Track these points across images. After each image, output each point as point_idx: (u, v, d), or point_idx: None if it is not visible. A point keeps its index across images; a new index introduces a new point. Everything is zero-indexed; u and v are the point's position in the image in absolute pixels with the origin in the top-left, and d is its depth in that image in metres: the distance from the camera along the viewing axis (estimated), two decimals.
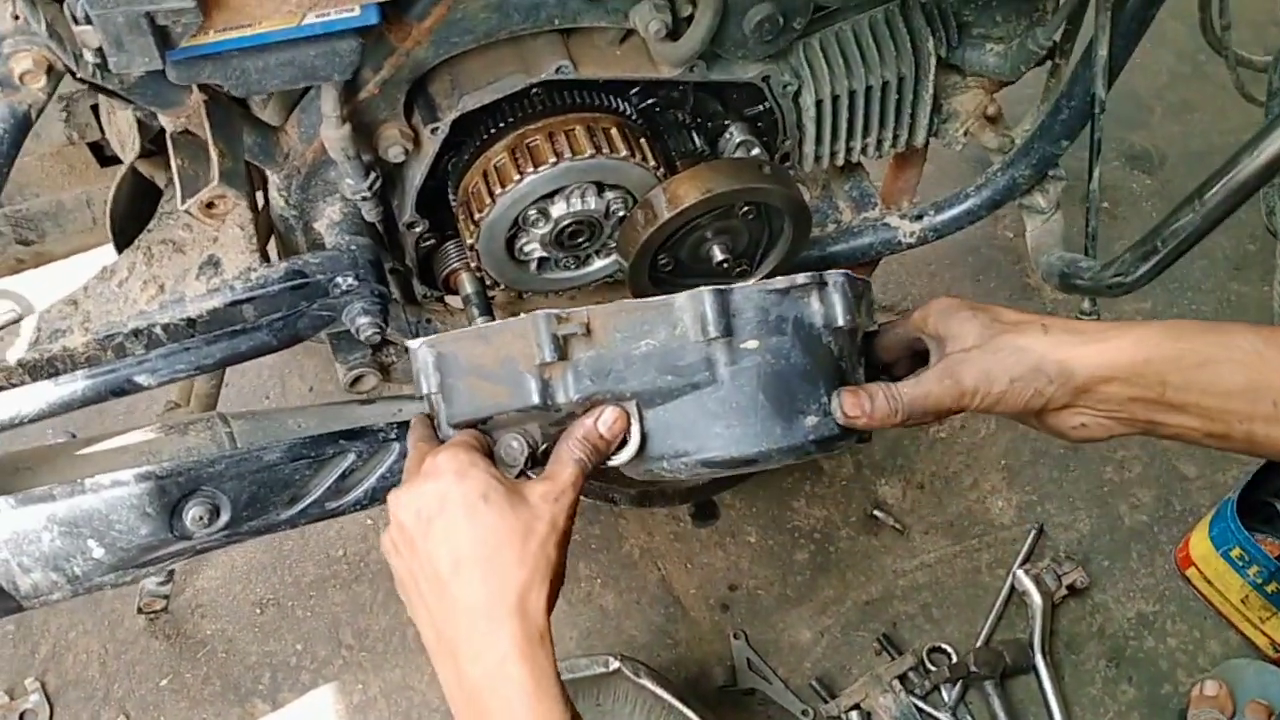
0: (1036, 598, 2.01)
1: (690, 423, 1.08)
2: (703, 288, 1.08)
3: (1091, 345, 1.04)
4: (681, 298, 1.08)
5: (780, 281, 1.10)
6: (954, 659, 1.96)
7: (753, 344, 1.08)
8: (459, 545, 1.01)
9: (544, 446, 1.11)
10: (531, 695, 0.97)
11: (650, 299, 1.09)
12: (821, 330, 1.11)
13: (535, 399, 1.07)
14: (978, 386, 1.07)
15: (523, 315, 1.09)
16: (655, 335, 1.08)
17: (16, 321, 2.25)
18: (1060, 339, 1.05)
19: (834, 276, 1.11)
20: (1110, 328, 1.06)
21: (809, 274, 1.11)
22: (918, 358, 1.20)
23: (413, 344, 1.14)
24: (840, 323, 1.10)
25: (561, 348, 1.07)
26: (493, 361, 1.09)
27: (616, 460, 1.09)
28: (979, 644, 2.00)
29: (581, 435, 1.07)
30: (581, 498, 1.97)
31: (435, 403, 1.13)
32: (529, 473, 1.13)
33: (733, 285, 1.09)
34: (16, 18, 0.99)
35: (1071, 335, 1.06)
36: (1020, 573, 2.05)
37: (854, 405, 1.09)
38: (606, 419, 1.08)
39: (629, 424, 1.08)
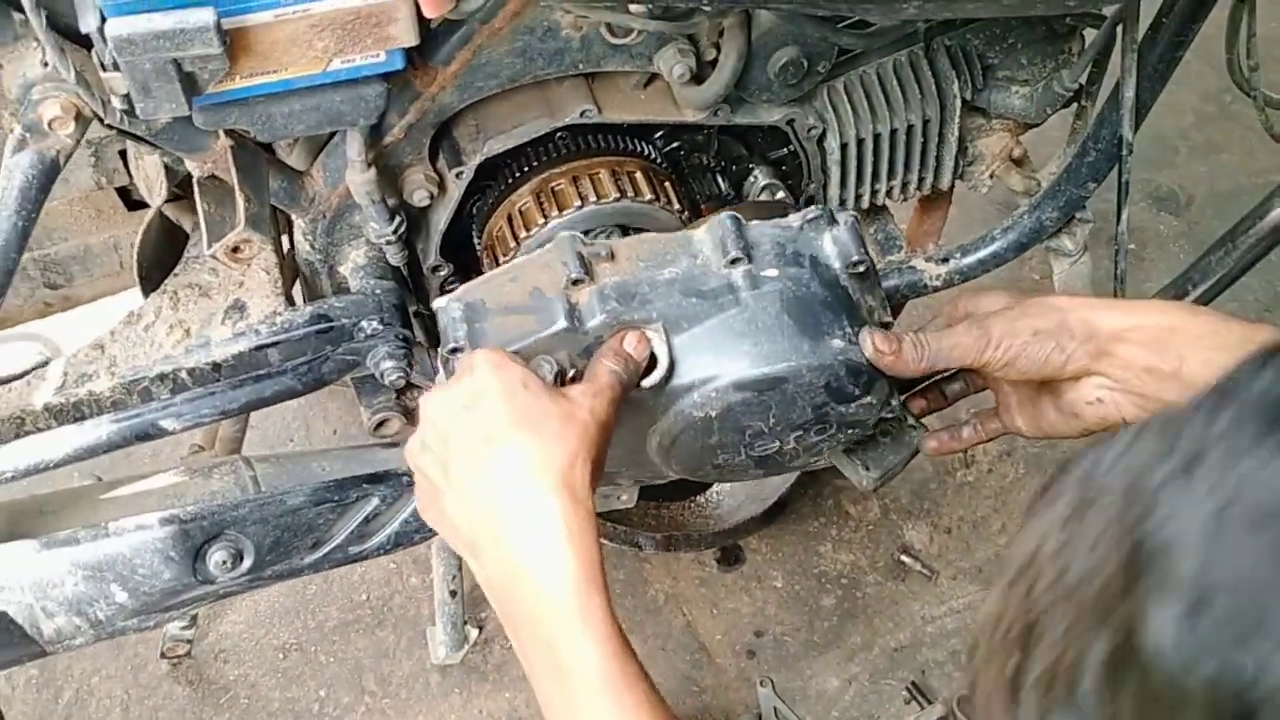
0: None
1: (718, 344, 1.08)
2: (719, 214, 1.11)
3: (1118, 309, 1.06)
4: (700, 230, 1.12)
5: (793, 218, 1.14)
6: None
7: (773, 272, 1.10)
8: (498, 424, 0.96)
9: (572, 373, 1.09)
10: (581, 589, 0.91)
11: (670, 233, 1.13)
12: (839, 271, 1.13)
13: (563, 321, 1.06)
14: (1003, 337, 1.08)
15: (548, 245, 1.10)
16: (678, 264, 1.11)
17: (45, 364, 2.27)
18: (1089, 302, 1.08)
19: (843, 215, 1.14)
20: (1142, 301, 1.08)
21: (818, 207, 1.15)
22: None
23: (439, 302, 1.12)
24: (855, 257, 1.12)
25: (588, 266, 1.08)
26: (520, 296, 1.09)
27: (649, 381, 1.08)
28: None
29: (611, 352, 1.06)
30: (606, 543, 1.98)
31: (455, 363, 1.09)
32: None
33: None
34: (45, 65, 1.00)
35: (1100, 302, 1.08)
36: None
37: (883, 341, 1.09)
38: (631, 339, 1.07)
39: (651, 346, 1.08)
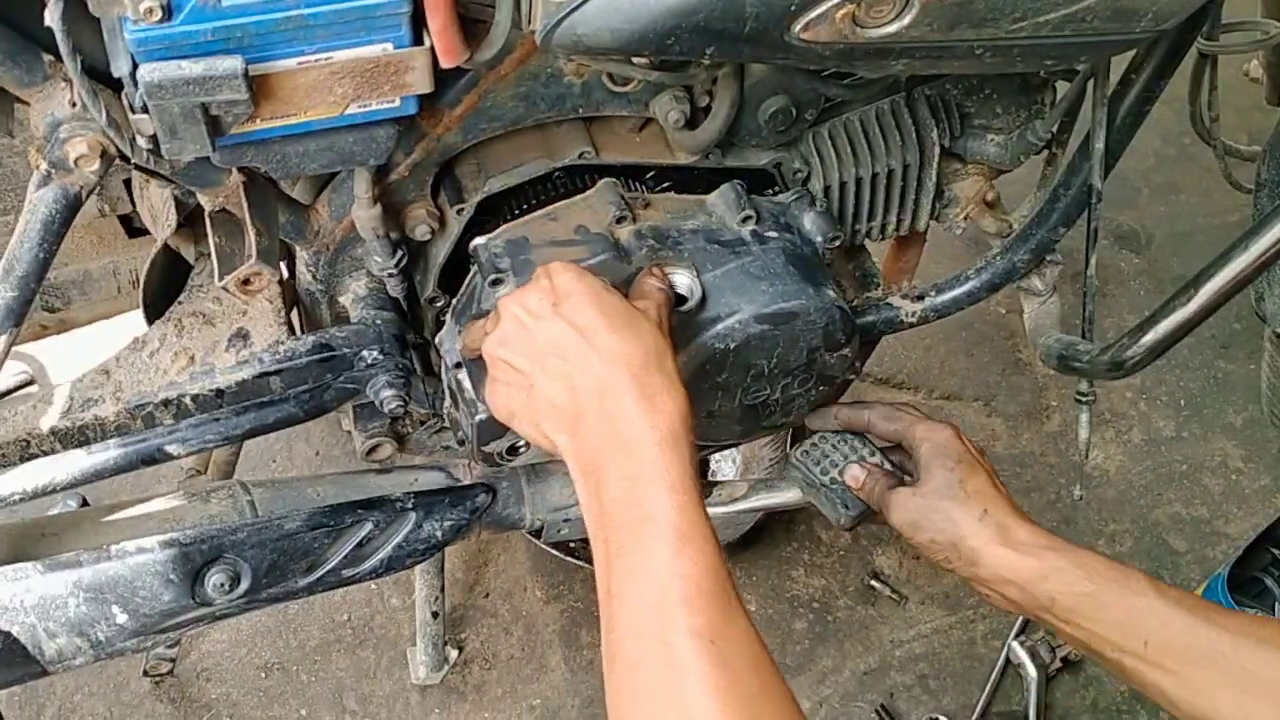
0: (1031, 670, 2.03)
1: (739, 283, 1.24)
2: (728, 182, 1.33)
3: (1005, 550, 1.19)
4: (712, 195, 1.33)
5: (782, 197, 1.39)
6: None
7: (774, 233, 1.31)
8: (591, 319, 1.03)
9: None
10: (678, 432, 0.99)
11: (686, 196, 1.35)
12: (819, 243, 1.35)
13: (610, 252, 1.22)
14: (903, 528, 1.30)
15: (588, 191, 1.28)
16: (697, 220, 1.31)
17: (29, 384, 2.29)
18: (985, 532, 1.21)
19: (820, 200, 1.41)
20: (1034, 542, 1.19)
21: (801, 189, 1.40)
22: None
23: (477, 241, 1.25)
24: (832, 233, 1.35)
25: (630, 209, 1.26)
26: (565, 232, 1.23)
27: (686, 306, 1.22)
28: (975, 716, 2.02)
29: (649, 275, 1.18)
30: (585, 565, 2.02)
31: (496, 295, 1.18)
32: None
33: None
34: (74, 104, 1.04)
35: (997, 533, 1.21)
36: (1015, 644, 2.07)
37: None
38: (658, 270, 1.20)
39: (676, 282, 1.22)
